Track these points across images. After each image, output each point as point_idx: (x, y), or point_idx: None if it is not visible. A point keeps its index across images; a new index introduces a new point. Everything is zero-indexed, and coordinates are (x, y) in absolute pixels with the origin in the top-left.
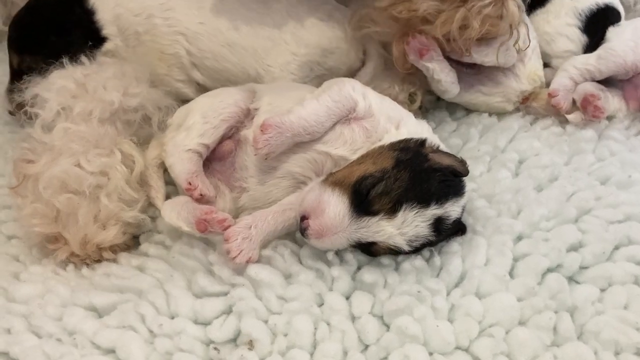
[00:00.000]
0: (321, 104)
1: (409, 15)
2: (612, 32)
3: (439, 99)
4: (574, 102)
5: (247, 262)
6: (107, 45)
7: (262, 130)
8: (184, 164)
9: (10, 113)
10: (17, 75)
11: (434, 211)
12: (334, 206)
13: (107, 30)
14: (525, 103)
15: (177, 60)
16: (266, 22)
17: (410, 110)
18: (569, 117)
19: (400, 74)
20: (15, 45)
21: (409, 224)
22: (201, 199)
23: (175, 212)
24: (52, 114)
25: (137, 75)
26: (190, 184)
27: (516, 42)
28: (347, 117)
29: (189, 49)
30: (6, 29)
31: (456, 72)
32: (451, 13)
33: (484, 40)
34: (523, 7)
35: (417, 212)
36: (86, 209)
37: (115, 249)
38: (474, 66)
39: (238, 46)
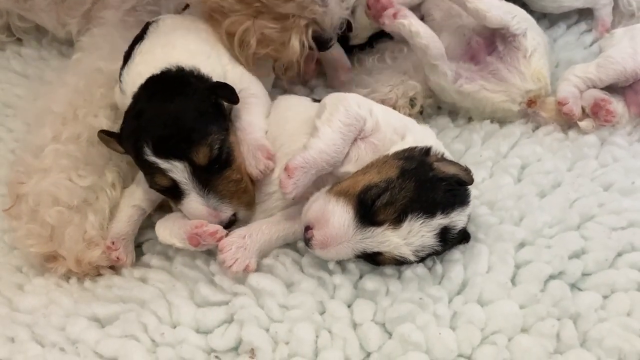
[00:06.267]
0: (335, 131)
1: (214, 5)
2: (607, 40)
3: (439, 107)
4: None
5: (245, 270)
6: None
7: (288, 175)
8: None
9: None
10: None
11: (440, 221)
12: (339, 216)
13: None
14: (531, 106)
15: None
16: None
17: (410, 115)
18: (581, 124)
19: (401, 78)
20: None
21: (414, 234)
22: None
23: (168, 230)
24: (46, 140)
25: None
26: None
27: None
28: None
29: None
30: (7, 39)
31: (457, 68)
32: (240, 18)
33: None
34: (313, 47)
35: (422, 222)
36: (75, 227)
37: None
38: (477, 63)
39: None
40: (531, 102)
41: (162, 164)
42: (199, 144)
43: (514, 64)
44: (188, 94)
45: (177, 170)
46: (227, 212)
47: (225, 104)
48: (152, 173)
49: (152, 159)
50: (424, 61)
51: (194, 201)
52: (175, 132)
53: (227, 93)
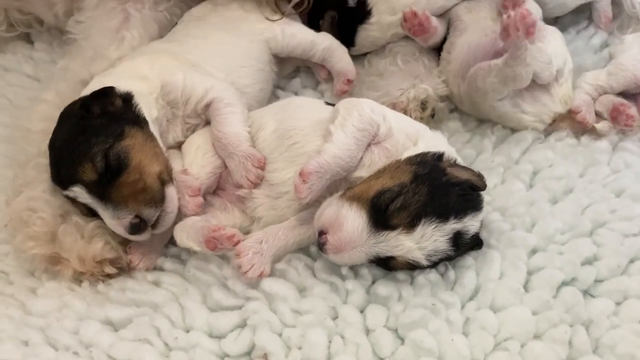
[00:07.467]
0: (349, 136)
1: None
2: (618, 47)
3: (451, 111)
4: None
5: (259, 276)
6: None
7: (303, 180)
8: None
9: None
10: None
11: (453, 225)
12: (352, 221)
13: None
14: (551, 124)
15: None
16: None
17: (421, 119)
18: (598, 126)
19: (412, 81)
20: None
21: (427, 239)
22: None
23: (185, 234)
24: (31, 156)
25: None
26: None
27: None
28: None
29: None
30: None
31: None
32: None
33: None
34: None
35: (436, 227)
36: (68, 226)
37: (116, 264)
38: None
39: None
40: (554, 121)
41: (68, 193)
42: (81, 163)
43: (546, 87)
44: (71, 116)
45: (79, 194)
46: (126, 216)
47: (138, 105)
48: (71, 202)
49: (64, 193)
50: (512, 71)
51: (103, 216)
52: (61, 159)
53: (100, 103)
